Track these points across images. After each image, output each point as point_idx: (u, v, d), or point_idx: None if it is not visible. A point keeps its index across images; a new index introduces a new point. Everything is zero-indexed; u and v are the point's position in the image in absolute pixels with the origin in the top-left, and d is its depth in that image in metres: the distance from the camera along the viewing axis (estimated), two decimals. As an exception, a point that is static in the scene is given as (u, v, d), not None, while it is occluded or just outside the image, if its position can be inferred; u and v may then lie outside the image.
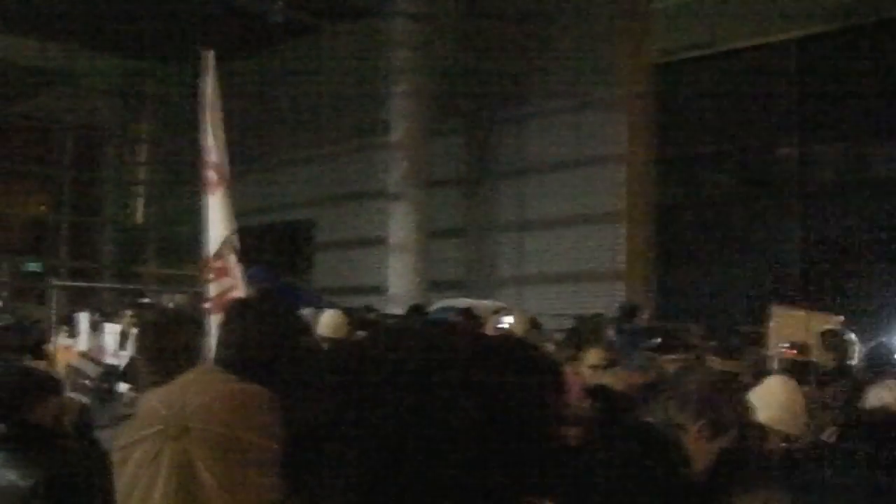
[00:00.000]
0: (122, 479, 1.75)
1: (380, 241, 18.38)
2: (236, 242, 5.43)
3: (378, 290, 17.77)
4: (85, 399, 6.69)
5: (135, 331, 6.79)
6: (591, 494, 3.29)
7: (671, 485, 3.53)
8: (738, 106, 16.20)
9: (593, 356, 6.14)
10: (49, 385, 4.38)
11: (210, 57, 5.94)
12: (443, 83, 18.36)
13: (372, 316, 11.94)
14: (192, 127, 21.06)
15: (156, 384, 2.39)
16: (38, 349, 5.75)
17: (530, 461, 1.11)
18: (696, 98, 16.80)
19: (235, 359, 2.54)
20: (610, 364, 6.13)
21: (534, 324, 10.23)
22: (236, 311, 2.84)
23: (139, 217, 28.30)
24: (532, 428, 1.12)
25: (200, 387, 1.81)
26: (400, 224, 17.71)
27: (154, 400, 1.80)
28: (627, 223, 16.40)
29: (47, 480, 3.78)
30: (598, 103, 16.60)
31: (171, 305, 11.97)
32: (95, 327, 9.85)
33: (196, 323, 3.03)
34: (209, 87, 5.94)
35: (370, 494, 1.06)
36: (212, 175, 5.61)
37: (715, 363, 6.34)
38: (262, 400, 1.73)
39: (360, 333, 8.14)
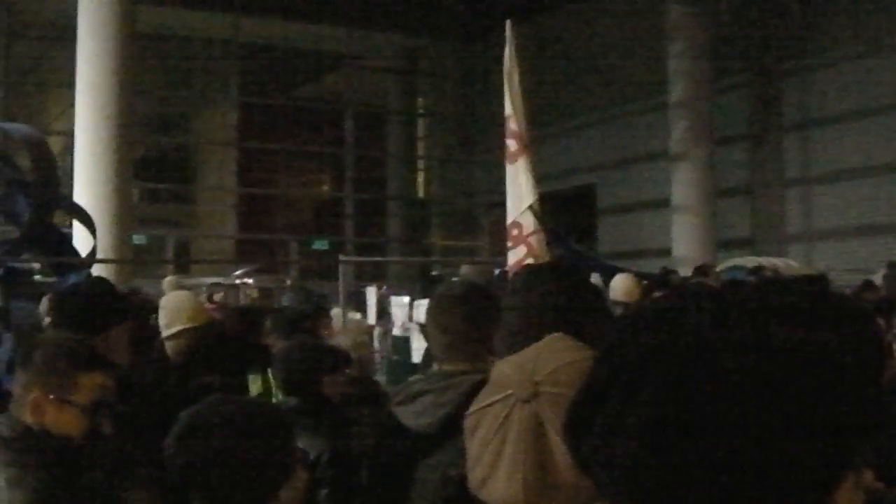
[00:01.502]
0: (473, 443, 1.89)
1: (664, 203, 19.11)
2: (537, 210, 5.74)
3: (664, 252, 18.42)
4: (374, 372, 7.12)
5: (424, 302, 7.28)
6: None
7: None
8: None
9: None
10: (338, 359, 4.77)
11: (509, 28, 6.16)
12: (723, 38, 18.78)
13: (672, 278, 11.90)
14: (469, 100, 22.73)
15: (449, 356, 2.87)
16: (314, 325, 6.20)
17: (857, 429, 1.01)
18: None
19: (526, 325, 2.44)
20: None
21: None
22: (523, 278, 2.74)
23: (421, 192, 30.24)
24: (864, 389, 1.01)
25: (551, 353, 1.91)
26: (684, 184, 18.40)
27: (506, 367, 1.94)
28: (919, 171, 16.22)
29: (332, 451, 4.07)
30: (887, 48, 16.64)
31: (459, 277, 12.06)
32: (383, 300, 10.43)
33: (486, 294, 2.99)
34: (508, 57, 6.15)
35: (658, 466, 0.99)
36: (512, 143, 5.90)
37: None
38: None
39: (656, 296, 8.49)
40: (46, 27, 20.84)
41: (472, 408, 1.91)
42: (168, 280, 11.37)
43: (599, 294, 3.01)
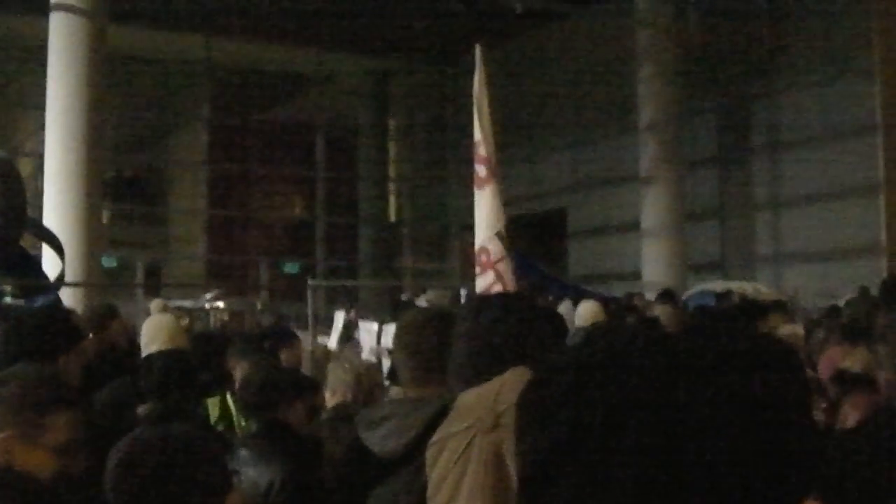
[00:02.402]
0: (435, 471, 1.90)
1: (634, 226, 19.20)
2: (504, 236, 5.70)
3: (634, 275, 18.57)
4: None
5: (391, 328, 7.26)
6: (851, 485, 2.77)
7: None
8: None
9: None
10: (301, 385, 4.72)
11: (478, 52, 6.08)
12: (692, 62, 18.98)
13: (638, 303, 12.03)
14: (440, 123, 22.71)
15: (415, 382, 2.85)
16: (278, 348, 6.24)
17: (806, 459, 1.06)
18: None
19: (470, 355, 2.42)
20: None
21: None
22: (473, 306, 2.76)
23: (392, 214, 30.14)
24: (801, 422, 1.06)
25: (514, 385, 1.90)
26: (654, 207, 18.48)
27: (470, 397, 1.96)
28: (886, 194, 16.32)
29: (284, 478, 4.03)
30: (853, 72, 16.73)
31: (425, 303, 12.05)
32: (351, 325, 10.37)
33: (452, 320, 2.86)
34: (477, 81, 6.09)
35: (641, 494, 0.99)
36: (481, 169, 5.88)
37: None
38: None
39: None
40: (18, 48, 20.74)
41: (436, 436, 1.93)
42: (155, 302, 11.42)
43: (555, 322, 3.02)
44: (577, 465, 1.06)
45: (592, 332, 6.14)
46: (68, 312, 4.27)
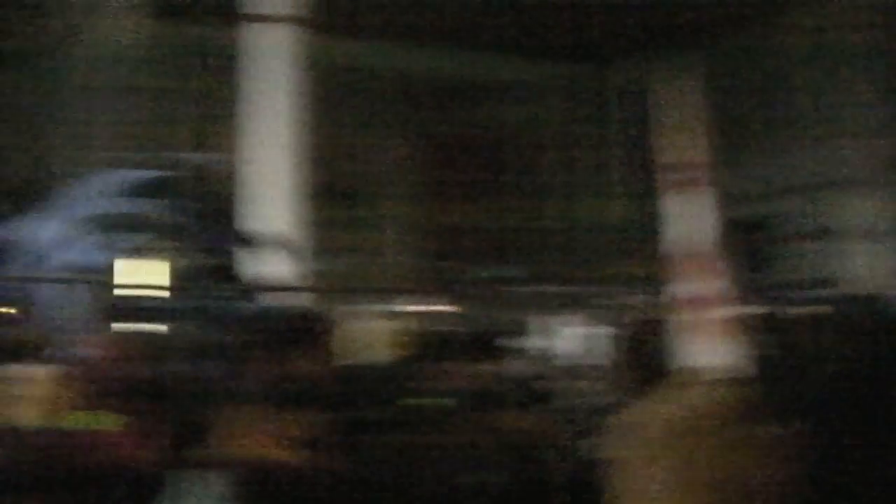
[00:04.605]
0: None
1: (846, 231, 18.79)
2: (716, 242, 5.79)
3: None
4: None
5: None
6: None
7: None
8: None
9: None
10: None
11: (674, 54, 6.09)
12: None
13: None
14: (625, 126, 22.19)
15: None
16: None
17: None
18: None
19: None
20: None
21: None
22: None
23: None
24: None
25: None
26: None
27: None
28: None
29: None
30: None
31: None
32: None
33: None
34: (677, 85, 6.32)
35: None
36: (684, 172, 6.03)
37: None
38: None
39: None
40: (207, 56, 21.30)
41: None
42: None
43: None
44: None
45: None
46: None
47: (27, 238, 10.58)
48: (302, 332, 4.51)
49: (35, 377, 4.82)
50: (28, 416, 4.53)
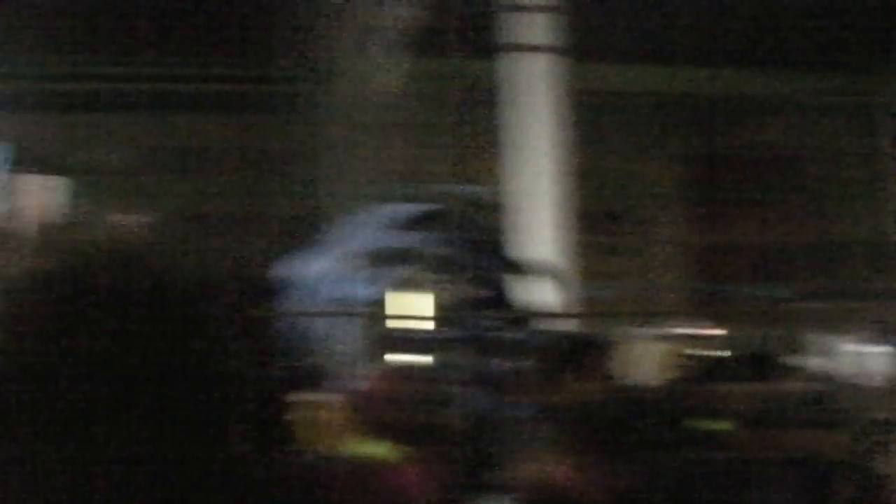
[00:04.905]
0: None
1: None
2: None
3: None
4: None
5: None
6: None
7: None
8: None
9: None
10: None
11: None
12: None
13: None
14: None
15: None
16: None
17: None
18: None
19: None
20: None
21: None
22: None
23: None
24: None
25: None
26: None
27: None
28: None
29: None
30: None
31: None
32: None
33: None
34: None
35: None
36: None
37: None
38: None
39: None
40: (465, 89, 21.69)
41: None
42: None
43: None
44: None
45: None
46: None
47: (302, 273, 10.98)
48: (583, 355, 4.53)
49: (325, 405, 4.97)
50: (322, 442, 4.68)
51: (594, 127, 21.21)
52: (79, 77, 22.39)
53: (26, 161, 15.29)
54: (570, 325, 11.49)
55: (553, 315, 10.63)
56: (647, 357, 8.31)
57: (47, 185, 13.11)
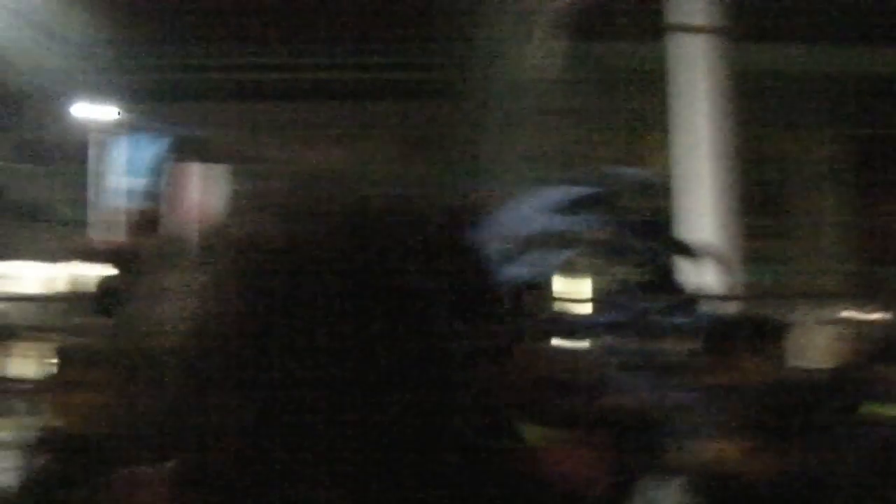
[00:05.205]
0: None
1: None
2: None
3: None
4: None
5: None
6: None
7: None
8: None
9: None
10: None
11: None
12: None
13: None
14: None
15: None
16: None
17: None
18: None
19: None
20: None
21: None
22: None
23: None
24: None
25: None
26: None
27: None
28: None
29: None
30: None
31: None
32: None
33: None
34: None
35: None
36: None
37: None
38: None
39: None
40: (632, 72, 21.57)
41: None
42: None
43: None
44: None
45: None
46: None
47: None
48: (756, 338, 4.58)
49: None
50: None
51: (759, 108, 20.90)
52: (243, 67, 23.08)
53: (188, 151, 15.71)
54: (733, 308, 11.47)
55: (726, 297, 10.60)
56: (817, 339, 8.25)
57: (209, 174, 13.43)
